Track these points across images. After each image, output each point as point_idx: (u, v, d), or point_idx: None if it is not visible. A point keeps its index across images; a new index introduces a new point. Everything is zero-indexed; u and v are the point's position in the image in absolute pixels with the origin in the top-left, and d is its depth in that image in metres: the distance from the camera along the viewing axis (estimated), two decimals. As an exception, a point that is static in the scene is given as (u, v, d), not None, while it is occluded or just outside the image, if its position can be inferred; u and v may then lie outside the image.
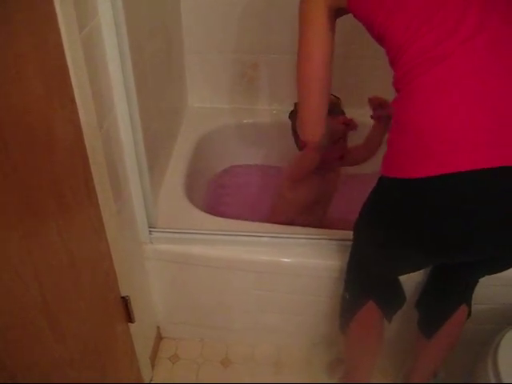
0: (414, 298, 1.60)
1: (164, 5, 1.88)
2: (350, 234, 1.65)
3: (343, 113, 1.82)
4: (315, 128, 1.40)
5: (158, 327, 1.92)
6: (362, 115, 2.22)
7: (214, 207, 2.14)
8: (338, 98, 1.85)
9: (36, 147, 0.92)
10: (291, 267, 1.67)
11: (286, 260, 1.65)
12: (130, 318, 1.51)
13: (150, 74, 1.67)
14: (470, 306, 1.50)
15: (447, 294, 1.49)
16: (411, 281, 1.57)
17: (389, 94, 1.21)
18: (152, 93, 1.71)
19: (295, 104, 1.90)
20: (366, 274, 1.43)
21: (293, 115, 1.90)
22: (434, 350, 1.57)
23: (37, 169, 0.93)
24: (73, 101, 1.06)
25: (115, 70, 1.27)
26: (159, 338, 1.93)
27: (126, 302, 1.47)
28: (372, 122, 1.74)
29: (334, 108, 1.78)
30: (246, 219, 1.78)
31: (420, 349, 1.60)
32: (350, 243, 1.59)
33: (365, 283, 1.46)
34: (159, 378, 1.82)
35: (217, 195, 2.26)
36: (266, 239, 1.65)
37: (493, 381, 1.36)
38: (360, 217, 1.29)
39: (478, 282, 1.46)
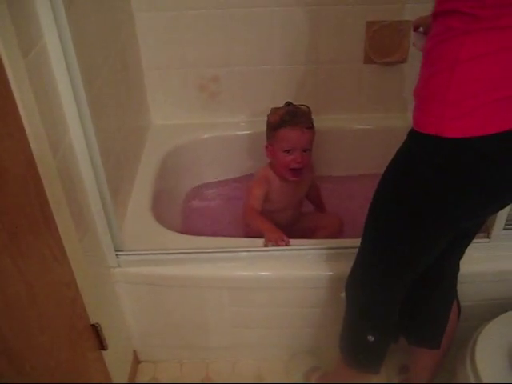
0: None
1: (116, 23, 1.86)
2: (325, 242, 1.67)
3: (312, 123, 1.83)
4: None
5: (135, 351, 1.88)
6: (333, 120, 2.26)
7: (183, 226, 2.12)
8: (308, 108, 1.87)
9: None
10: (265, 281, 1.65)
11: (259, 273, 1.63)
12: (102, 345, 1.47)
13: (107, 94, 1.64)
14: (458, 301, 1.50)
15: (433, 305, 1.45)
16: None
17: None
18: (111, 113, 1.69)
19: (272, 110, 1.91)
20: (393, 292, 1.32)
21: (268, 122, 1.91)
22: (428, 354, 1.55)
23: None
24: (21, 128, 1.03)
25: (66, 94, 1.24)
26: (136, 361, 1.88)
27: (96, 329, 1.43)
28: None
29: (306, 115, 1.80)
30: (218, 236, 1.77)
31: (418, 357, 1.59)
32: (325, 251, 1.61)
33: (392, 314, 1.37)
34: (139, 403, 1.78)
35: (185, 214, 2.23)
36: (238, 254, 1.63)
37: (471, 377, 1.35)
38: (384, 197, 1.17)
39: (456, 277, 1.46)
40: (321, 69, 2.19)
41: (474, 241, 1.59)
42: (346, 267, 1.40)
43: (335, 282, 1.57)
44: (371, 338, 1.37)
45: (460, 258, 1.42)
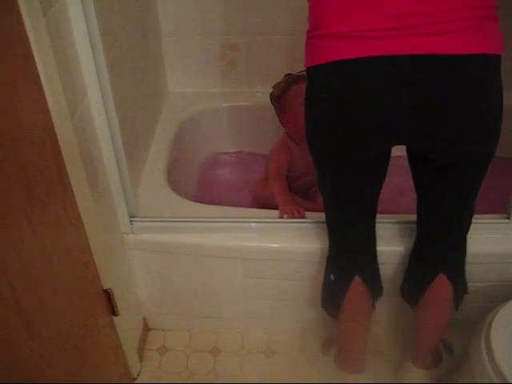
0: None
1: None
2: None
3: None
4: None
5: (145, 318, 1.88)
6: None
7: (198, 195, 2.10)
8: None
9: (4, 140, 0.87)
10: (278, 252, 1.63)
11: (272, 245, 1.62)
12: (114, 311, 1.47)
13: (125, 59, 1.61)
14: (452, 279, 1.45)
15: (422, 259, 1.47)
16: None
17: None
18: (129, 78, 1.66)
19: (273, 86, 1.88)
20: (341, 228, 1.42)
21: (273, 97, 1.89)
22: (421, 319, 1.54)
23: (3, 160, 0.88)
24: (40, 87, 1.01)
25: (86, 56, 1.22)
26: (146, 329, 1.88)
27: (108, 294, 1.42)
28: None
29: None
30: (232, 205, 1.75)
31: (414, 324, 1.58)
32: None
33: (344, 255, 1.46)
34: (147, 370, 1.78)
35: (200, 183, 2.21)
36: (251, 225, 1.61)
37: (486, 361, 1.33)
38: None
39: (460, 253, 1.43)
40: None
41: (493, 221, 1.57)
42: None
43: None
44: (332, 277, 1.48)
45: (454, 215, 1.37)
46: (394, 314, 1.75)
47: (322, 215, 1.64)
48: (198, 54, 2.20)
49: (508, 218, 1.55)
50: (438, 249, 1.43)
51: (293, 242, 1.61)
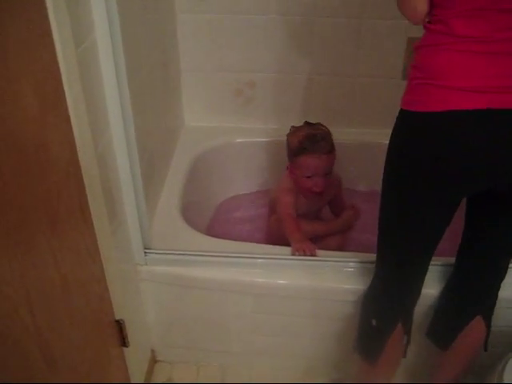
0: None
1: (161, 23, 1.87)
2: (345, 255, 1.68)
3: (332, 146, 1.85)
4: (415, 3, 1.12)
5: (153, 350, 1.87)
6: (367, 134, 2.24)
7: (212, 228, 2.11)
8: (327, 129, 1.90)
9: (30, 167, 0.90)
10: (288, 289, 1.64)
11: (282, 282, 1.62)
12: (124, 342, 1.47)
13: (146, 92, 1.65)
14: (487, 320, 1.47)
15: (459, 301, 1.48)
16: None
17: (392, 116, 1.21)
18: (148, 111, 1.69)
19: (292, 130, 1.91)
20: (394, 275, 1.41)
21: (287, 144, 1.92)
22: (450, 360, 1.55)
23: (30, 189, 0.90)
24: (68, 120, 1.04)
25: (111, 89, 1.25)
26: (154, 361, 1.88)
27: (120, 325, 1.43)
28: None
29: (325, 138, 1.81)
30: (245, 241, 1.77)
31: (436, 362, 1.58)
32: (344, 264, 1.62)
33: (394, 299, 1.44)
34: (154, 402, 1.78)
35: (213, 217, 2.23)
36: (261, 260, 1.62)
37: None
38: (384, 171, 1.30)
39: (496, 295, 1.44)
40: (358, 82, 2.18)
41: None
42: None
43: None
44: (374, 323, 1.46)
45: (498, 265, 1.40)
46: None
47: (333, 253, 1.66)
48: (215, 90, 2.25)
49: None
50: (480, 290, 1.44)
51: (303, 280, 1.62)
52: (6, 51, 0.80)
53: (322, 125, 1.90)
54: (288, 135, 1.93)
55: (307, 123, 1.93)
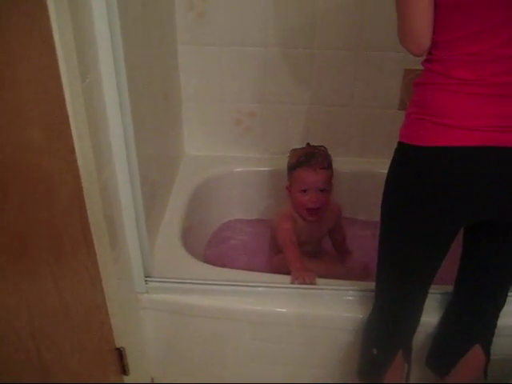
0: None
1: (162, 55, 1.91)
2: (344, 283, 1.68)
3: (329, 163, 1.88)
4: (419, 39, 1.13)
5: (152, 379, 1.87)
6: (365, 163, 2.26)
7: (212, 257, 2.12)
8: (325, 148, 1.91)
9: (34, 195, 0.92)
10: (286, 317, 1.64)
11: (281, 310, 1.63)
12: (124, 369, 1.48)
13: (148, 122, 1.68)
14: (487, 349, 1.47)
15: (459, 329, 1.48)
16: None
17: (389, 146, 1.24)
18: (150, 141, 1.72)
19: (293, 151, 1.94)
20: (394, 307, 1.43)
21: (287, 164, 1.94)
22: None
23: (34, 217, 0.92)
24: (72, 151, 1.06)
25: (114, 121, 1.28)
26: (153, 390, 1.88)
27: (121, 353, 1.43)
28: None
29: (322, 156, 1.83)
30: (245, 269, 1.77)
31: None
32: (344, 292, 1.63)
33: (394, 328, 1.46)
34: (152, 432, 1.77)
35: (214, 245, 2.24)
36: (260, 289, 1.63)
37: None
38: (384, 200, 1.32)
39: (495, 324, 1.45)
40: (356, 112, 2.21)
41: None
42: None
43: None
44: (375, 352, 1.48)
45: (495, 292, 1.41)
46: None
47: (332, 282, 1.67)
48: (216, 119, 2.28)
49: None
50: (478, 318, 1.45)
51: (302, 308, 1.62)
52: (13, 83, 0.83)
53: (323, 146, 1.95)
54: (288, 156, 1.98)
55: (308, 144, 1.98)
